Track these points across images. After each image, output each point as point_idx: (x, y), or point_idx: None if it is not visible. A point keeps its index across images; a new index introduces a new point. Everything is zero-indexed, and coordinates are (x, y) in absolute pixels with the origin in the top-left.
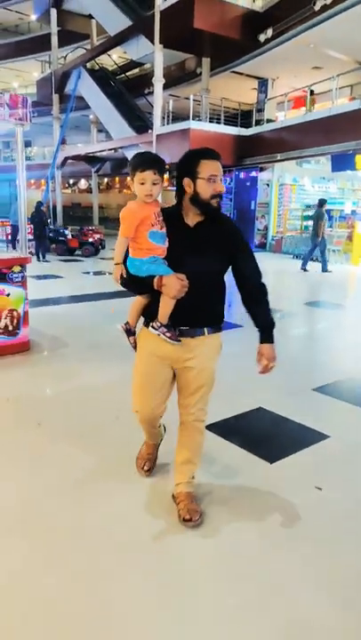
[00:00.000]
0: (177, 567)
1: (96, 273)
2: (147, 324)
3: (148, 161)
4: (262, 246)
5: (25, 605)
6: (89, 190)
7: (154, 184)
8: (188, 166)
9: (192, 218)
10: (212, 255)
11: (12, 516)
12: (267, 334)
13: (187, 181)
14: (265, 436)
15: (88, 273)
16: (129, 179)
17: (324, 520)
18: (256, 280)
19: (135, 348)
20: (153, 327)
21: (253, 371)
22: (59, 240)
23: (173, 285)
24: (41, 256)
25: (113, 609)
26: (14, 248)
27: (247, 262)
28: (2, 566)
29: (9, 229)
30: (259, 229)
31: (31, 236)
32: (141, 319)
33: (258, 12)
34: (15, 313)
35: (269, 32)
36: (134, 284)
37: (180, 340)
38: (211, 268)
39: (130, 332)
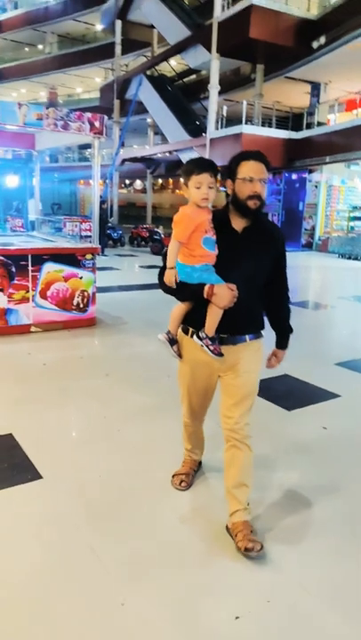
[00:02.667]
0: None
1: (150, 266)
2: (185, 331)
3: (203, 164)
4: (309, 246)
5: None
6: (143, 190)
7: (210, 187)
8: (230, 168)
9: (239, 222)
10: (258, 262)
11: (89, 432)
12: (285, 341)
13: (228, 183)
14: (286, 392)
15: (142, 267)
16: (182, 182)
17: (326, 445)
18: (286, 288)
19: (180, 356)
20: (198, 337)
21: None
22: (154, 239)
23: (225, 295)
24: (100, 251)
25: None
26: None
27: (283, 270)
28: (99, 466)
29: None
30: (306, 229)
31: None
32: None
33: (311, 20)
34: (86, 293)
35: (323, 39)
36: (182, 291)
37: (222, 355)
38: (257, 275)
39: (173, 340)
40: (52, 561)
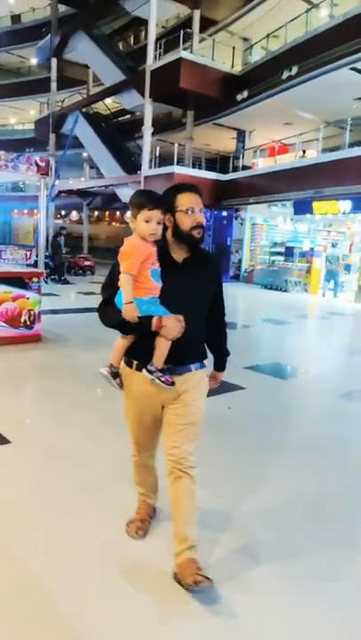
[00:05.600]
0: None
1: (87, 293)
2: (129, 364)
3: (155, 200)
4: (237, 277)
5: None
6: (80, 221)
7: (158, 223)
8: (167, 202)
9: (179, 254)
10: (200, 292)
11: (42, 414)
12: (223, 363)
13: (167, 217)
14: None
15: (80, 293)
16: (129, 214)
17: (229, 419)
18: (223, 314)
19: (121, 387)
20: (148, 371)
21: None
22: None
23: (174, 327)
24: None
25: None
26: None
27: (220, 296)
28: (55, 436)
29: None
30: (234, 262)
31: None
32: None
33: (236, 76)
34: (32, 312)
35: (245, 93)
36: (129, 324)
37: (174, 384)
38: (199, 304)
39: (115, 374)
40: None
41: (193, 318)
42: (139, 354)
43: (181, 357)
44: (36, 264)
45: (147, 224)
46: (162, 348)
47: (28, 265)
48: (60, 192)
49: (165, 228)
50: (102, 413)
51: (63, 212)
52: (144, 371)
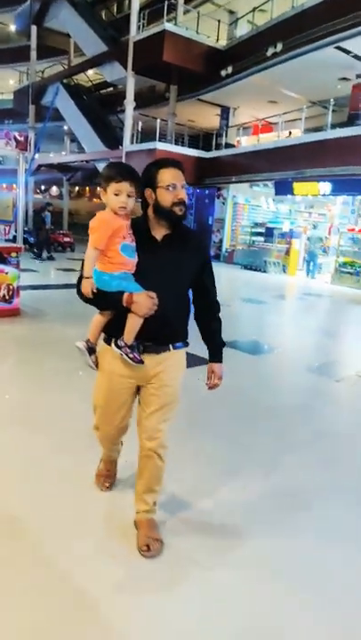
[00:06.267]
0: None
1: (65, 269)
2: (108, 341)
3: (124, 172)
4: (217, 257)
5: None
6: (60, 197)
7: (129, 196)
8: (148, 177)
9: (159, 231)
10: (180, 270)
11: (25, 382)
12: (219, 353)
13: (148, 192)
14: None
15: (59, 269)
16: (100, 188)
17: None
18: (216, 296)
19: (97, 366)
20: (117, 345)
21: None
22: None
23: (144, 303)
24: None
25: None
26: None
27: (210, 276)
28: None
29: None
30: (215, 242)
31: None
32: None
33: (220, 50)
34: (11, 287)
35: (230, 69)
36: (100, 299)
37: (142, 362)
38: (179, 283)
39: (91, 349)
40: None
41: (171, 296)
42: (113, 329)
43: (160, 336)
44: (14, 239)
45: (116, 197)
46: (132, 324)
47: (6, 240)
48: (39, 166)
49: (147, 205)
50: (77, 380)
51: (43, 187)
52: (113, 345)
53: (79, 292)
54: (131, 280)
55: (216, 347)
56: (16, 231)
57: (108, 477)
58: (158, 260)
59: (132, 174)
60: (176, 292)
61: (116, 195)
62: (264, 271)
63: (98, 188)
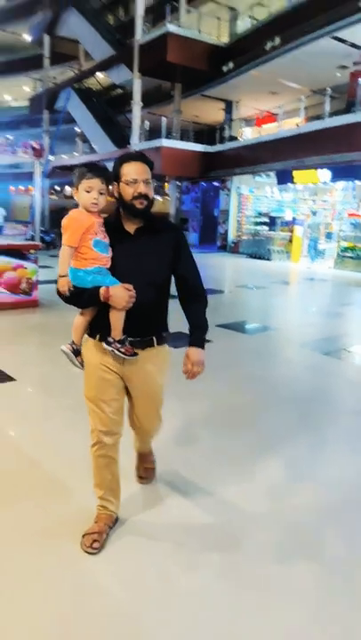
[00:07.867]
0: None
1: None
2: (92, 336)
3: (96, 169)
4: (224, 248)
5: None
6: (73, 197)
7: (100, 193)
8: (114, 172)
9: (131, 225)
10: (155, 262)
11: (46, 362)
12: (197, 336)
13: (115, 187)
14: (176, 338)
15: None
16: (73, 188)
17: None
18: (197, 281)
19: (83, 366)
20: (107, 343)
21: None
22: None
23: (121, 296)
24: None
25: None
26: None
27: (188, 265)
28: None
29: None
30: (221, 233)
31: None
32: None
33: (222, 47)
34: (30, 280)
35: (231, 64)
36: (78, 297)
37: (136, 354)
38: (156, 275)
39: (77, 351)
40: None
41: (150, 289)
42: (96, 326)
43: (142, 329)
44: (32, 238)
45: (88, 194)
46: (116, 319)
47: (25, 239)
48: (54, 168)
49: (118, 200)
50: None
51: (58, 188)
52: (103, 343)
53: (58, 292)
54: (106, 274)
55: (194, 329)
56: (34, 230)
57: (99, 535)
58: (132, 252)
59: (102, 171)
60: (153, 283)
61: (88, 192)
62: (268, 259)
63: (67, 188)
